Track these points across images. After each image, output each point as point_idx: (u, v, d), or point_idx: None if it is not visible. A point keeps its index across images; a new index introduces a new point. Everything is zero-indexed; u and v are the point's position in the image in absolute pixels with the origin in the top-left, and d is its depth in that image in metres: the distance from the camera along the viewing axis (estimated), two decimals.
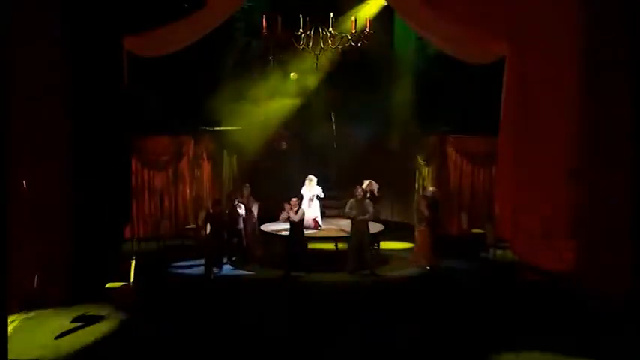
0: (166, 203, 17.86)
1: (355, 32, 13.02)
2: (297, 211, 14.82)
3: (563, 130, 12.06)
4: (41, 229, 11.62)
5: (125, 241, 14.24)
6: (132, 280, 12.14)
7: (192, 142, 18.17)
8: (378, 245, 15.90)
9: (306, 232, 15.33)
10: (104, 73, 12.59)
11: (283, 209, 14.95)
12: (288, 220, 14.90)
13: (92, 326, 10.90)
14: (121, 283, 12.10)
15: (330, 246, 16.24)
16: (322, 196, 16.12)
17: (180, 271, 15.04)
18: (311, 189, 16.15)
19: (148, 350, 10.01)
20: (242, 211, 15.28)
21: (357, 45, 13.45)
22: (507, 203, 13.01)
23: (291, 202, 14.96)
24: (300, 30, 13.17)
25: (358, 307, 12.22)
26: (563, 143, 12.05)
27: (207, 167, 18.65)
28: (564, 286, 11.97)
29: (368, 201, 14.92)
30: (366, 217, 14.62)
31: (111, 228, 12.96)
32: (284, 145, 19.47)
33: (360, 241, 14.74)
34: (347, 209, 15.03)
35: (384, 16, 16.75)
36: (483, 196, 16.25)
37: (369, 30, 12.96)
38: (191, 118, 17.65)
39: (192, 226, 17.49)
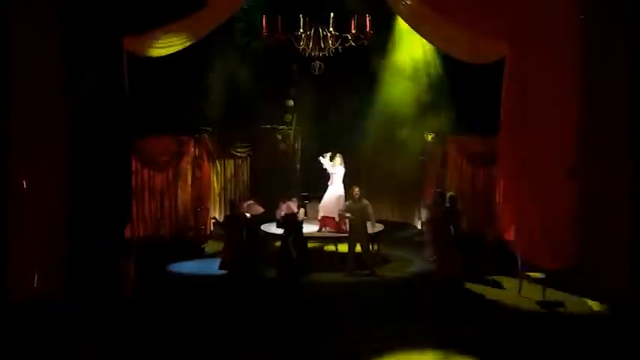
0: (166, 203, 17.65)
1: (355, 32, 12.93)
2: (297, 210, 14.74)
3: (562, 129, 12.05)
4: (41, 229, 11.57)
5: (125, 241, 14.12)
6: None
7: (193, 141, 17.97)
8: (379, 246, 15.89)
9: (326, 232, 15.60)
10: (104, 73, 12.55)
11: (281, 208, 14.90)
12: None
13: None
14: None
15: (331, 247, 16.34)
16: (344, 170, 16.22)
17: (179, 270, 15.09)
18: (335, 166, 16.26)
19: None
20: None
21: (357, 45, 13.41)
22: (508, 203, 12.99)
23: (291, 202, 14.89)
24: (300, 30, 13.12)
25: (358, 307, 12.22)
26: (563, 142, 12.05)
27: (207, 167, 18.50)
28: (565, 284, 12.02)
29: (365, 201, 14.89)
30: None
31: (111, 227, 12.89)
32: (283, 146, 19.52)
33: (359, 241, 14.76)
34: (345, 210, 15.06)
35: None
36: (484, 196, 16.14)
37: (370, 29, 12.90)
38: (192, 118, 17.55)
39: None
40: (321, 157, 16.43)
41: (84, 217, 12.16)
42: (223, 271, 14.50)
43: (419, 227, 16.32)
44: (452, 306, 12.12)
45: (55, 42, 11.79)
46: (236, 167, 19.66)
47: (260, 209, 15.30)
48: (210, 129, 18.35)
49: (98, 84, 12.41)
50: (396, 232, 17.86)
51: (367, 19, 12.85)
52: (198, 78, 17.28)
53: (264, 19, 13.09)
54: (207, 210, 18.31)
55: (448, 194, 14.88)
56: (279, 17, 13.02)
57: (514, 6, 12.17)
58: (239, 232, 14.59)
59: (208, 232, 18.15)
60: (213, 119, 18.13)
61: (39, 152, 11.58)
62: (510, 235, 13.04)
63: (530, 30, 12.11)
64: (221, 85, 17.83)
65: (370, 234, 15.13)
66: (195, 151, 18.06)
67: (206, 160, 18.45)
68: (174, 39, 13.43)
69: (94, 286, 12.03)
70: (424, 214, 15.74)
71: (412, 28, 14.10)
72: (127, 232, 14.53)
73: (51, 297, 11.44)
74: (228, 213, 17.04)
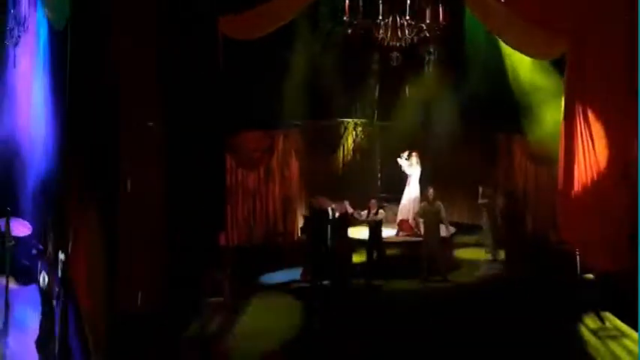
0: (258, 206, 17.29)
1: (429, 22, 12.65)
2: (377, 212, 14.84)
3: (621, 129, 12.19)
4: (142, 240, 10.97)
5: (220, 250, 13.94)
6: None
7: (282, 137, 17.53)
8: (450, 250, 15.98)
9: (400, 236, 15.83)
10: (200, 59, 12.21)
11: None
12: (367, 220, 14.89)
13: None
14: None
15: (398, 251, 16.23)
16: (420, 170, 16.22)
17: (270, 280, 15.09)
18: (410, 167, 16.41)
19: None
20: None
21: (430, 35, 13.15)
22: (568, 205, 13.09)
23: (370, 204, 14.98)
24: (380, 18, 12.67)
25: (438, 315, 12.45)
26: (622, 142, 12.18)
27: (295, 165, 17.93)
28: (621, 285, 12.03)
29: (439, 203, 14.94)
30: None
31: (206, 236, 12.72)
32: (362, 143, 19.48)
33: (431, 245, 14.76)
34: (419, 212, 15.28)
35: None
36: (548, 196, 16.05)
37: (443, 21, 12.68)
38: (279, 111, 16.90)
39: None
40: (399, 159, 16.59)
41: (179, 224, 11.65)
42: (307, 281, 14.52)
43: (485, 228, 16.32)
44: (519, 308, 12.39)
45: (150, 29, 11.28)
46: (320, 164, 18.90)
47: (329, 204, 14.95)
48: (300, 123, 17.83)
49: (194, 70, 12.08)
50: (466, 234, 17.74)
51: (441, 9, 12.68)
52: (285, 68, 16.79)
53: (346, 3, 12.55)
54: (295, 213, 17.82)
55: (507, 192, 14.93)
56: (360, 2, 12.64)
57: (577, 3, 12.45)
58: (320, 232, 14.63)
59: (295, 238, 17.71)
60: (298, 112, 17.37)
61: (141, 153, 11.08)
62: (569, 236, 13.20)
63: (592, 27, 12.34)
64: (305, 77, 16.97)
65: (443, 237, 15.17)
66: (283, 148, 17.63)
67: (294, 157, 17.91)
68: (266, 20, 13.25)
69: (190, 298, 11.99)
70: (485, 214, 15.91)
71: (480, 20, 14.18)
72: (222, 241, 14.09)
73: (150, 309, 10.93)
74: (308, 214, 16.54)
